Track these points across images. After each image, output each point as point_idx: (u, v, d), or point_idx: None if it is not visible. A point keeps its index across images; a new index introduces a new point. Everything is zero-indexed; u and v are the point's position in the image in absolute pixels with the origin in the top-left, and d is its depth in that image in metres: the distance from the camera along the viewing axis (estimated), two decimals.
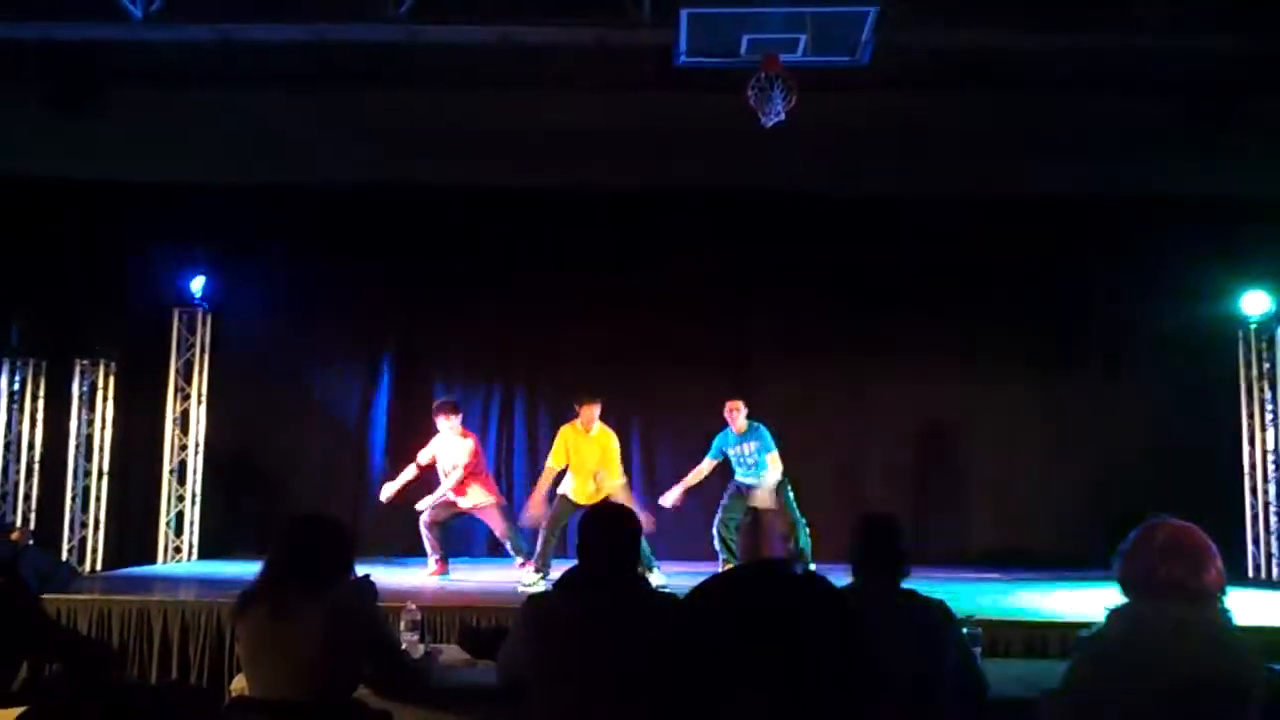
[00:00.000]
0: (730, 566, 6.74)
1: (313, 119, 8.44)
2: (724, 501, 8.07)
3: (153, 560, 9.26)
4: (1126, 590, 2.79)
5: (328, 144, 8.52)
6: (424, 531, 7.98)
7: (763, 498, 7.74)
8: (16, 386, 9.15)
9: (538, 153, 8.55)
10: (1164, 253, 9.12)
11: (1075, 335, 9.77)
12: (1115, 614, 2.78)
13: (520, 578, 7.40)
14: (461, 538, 9.04)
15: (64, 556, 8.71)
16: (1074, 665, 2.83)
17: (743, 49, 6.41)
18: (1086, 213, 9.34)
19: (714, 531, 8.01)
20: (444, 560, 8.03)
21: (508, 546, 8.13)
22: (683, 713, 2.55)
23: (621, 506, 3.49)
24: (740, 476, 8.11)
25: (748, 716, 0.86)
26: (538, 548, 7.45)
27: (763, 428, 8.02)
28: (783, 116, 6.44)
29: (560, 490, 7.57)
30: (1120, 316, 9.58)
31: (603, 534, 3.25)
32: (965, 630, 3.58)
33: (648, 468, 9.72)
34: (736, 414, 8.01)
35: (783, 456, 7.95)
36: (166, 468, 9.49)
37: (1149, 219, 9.13)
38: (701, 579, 3.16)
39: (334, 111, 8.36)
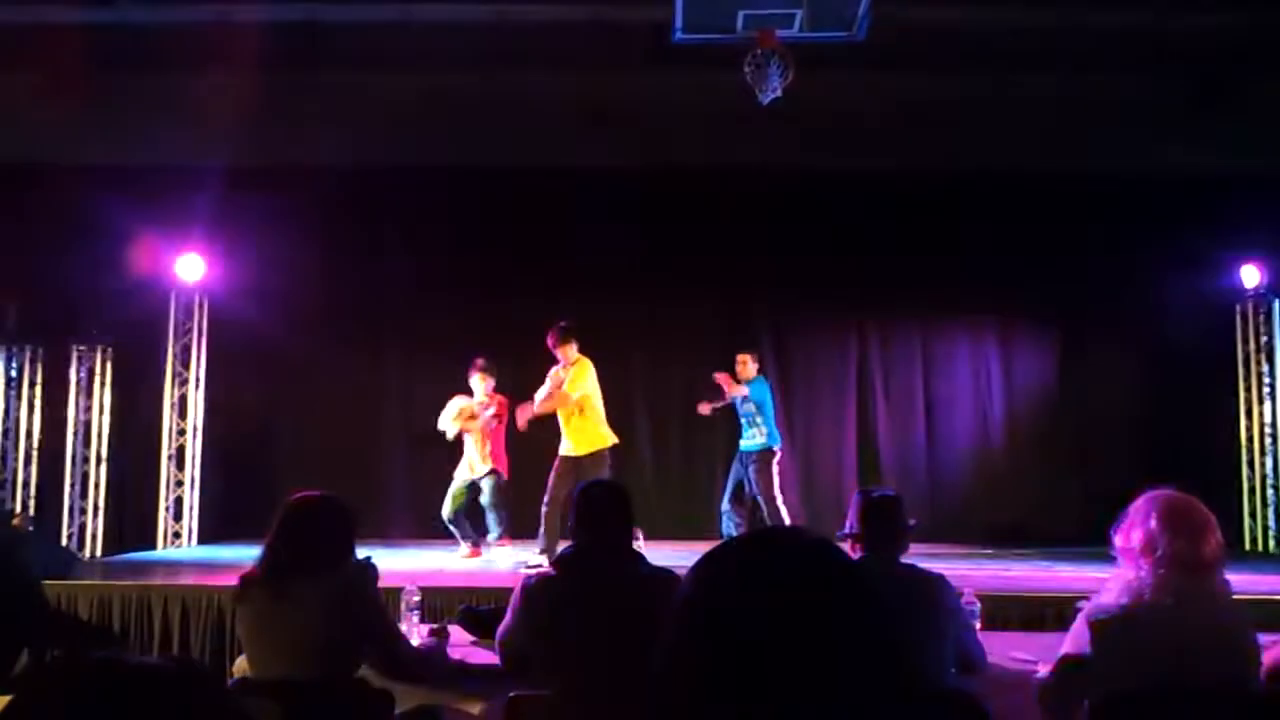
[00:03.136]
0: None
1: (307, 100, 8.40)
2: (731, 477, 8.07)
3: (152, 545, 9.26)
4: (1126, 562, 2.80)
5: (323, 125, 8.48)
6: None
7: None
8: (14, 373, 9.13)
9: (532, 132, 8.52)
10: (1160, 228, 9.10)
11: (1072, 311, 9.77)
12: (1114, 586, 2.79)
13: (527, 558, 7.38)
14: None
15: (64, 543, 8.71)
16: (1073, 636, 2.83)
17: (739, 25, 6.38)
18: (1082, 188, 9.31)
19: (723, 509, 7.99)
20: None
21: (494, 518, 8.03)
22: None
23: (613, 483, 3.48)
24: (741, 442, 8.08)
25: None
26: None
27: (763, 387, 7.99)
28: (779, 93, 6.42)
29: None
30: (1117, 292, 9.56)
31: (596, 511, 3.25)
32: (964, 603, 3.59)
33: (653, 446, 9.73)
34: (742, 367, 7.97)
35: (788, 433, 7.94)
36: (165, 453, 9.47)
37: (1145, 194, 9.09)
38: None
39: (329, 92, 8.33)
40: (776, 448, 7.93)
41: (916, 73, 8.23)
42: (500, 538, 7.93)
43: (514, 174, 9.20)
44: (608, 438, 7.40)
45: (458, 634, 4.13)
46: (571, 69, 8.11)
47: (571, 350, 7.49)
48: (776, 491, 7.82)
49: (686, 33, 6.51)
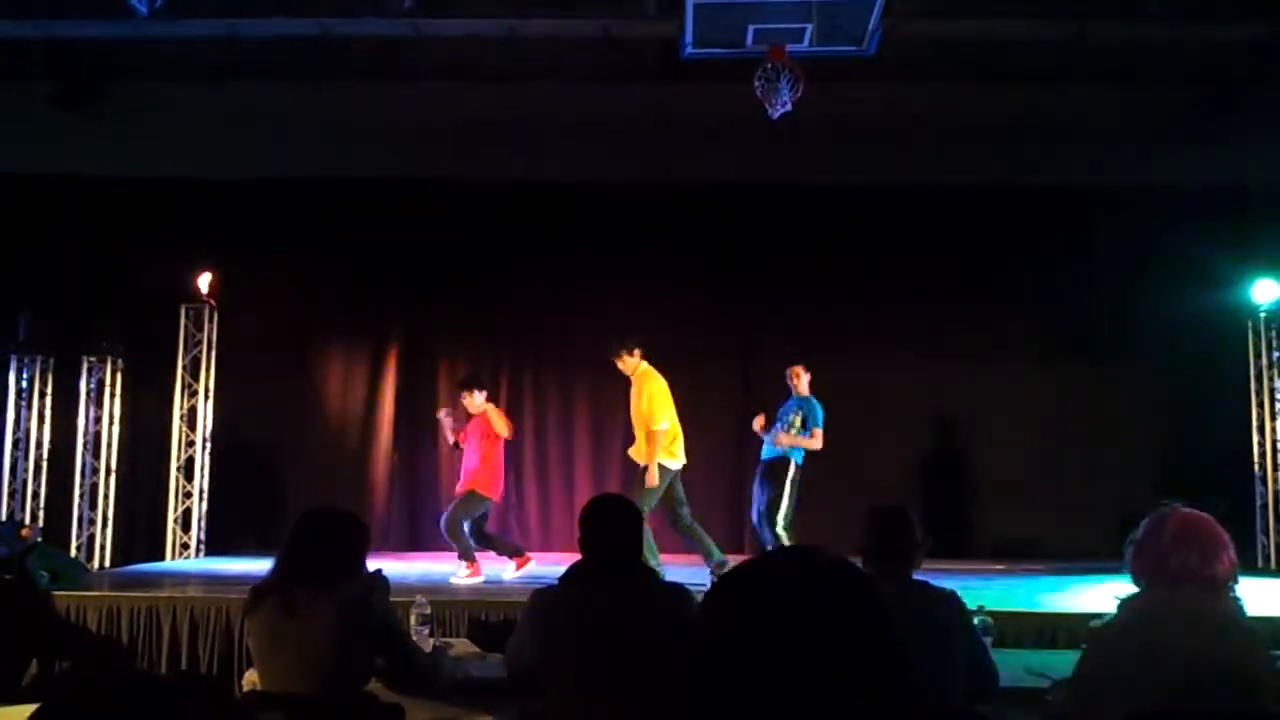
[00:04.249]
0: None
1: (318, 113, 8.45)
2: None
3: (161, 557, 9.26)
4: (1138, 579, 2.78)
5: (333, 138, 8.53)
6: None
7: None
8: (24, 384, 9.17)
9: (541, 145, 8.55)
10: (1172, 243, 9.06)
11: (1083, 326, 9.73)
12: (1126, 603, 2.77)
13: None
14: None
15: (73, 553, 8.73)
16: (1085, 654, 2.81)
17: (749, 40, 6.40)
18: (1094, 203, 9.30)
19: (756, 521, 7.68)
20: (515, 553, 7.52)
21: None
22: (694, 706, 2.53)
23: (620, 497, 3.46)
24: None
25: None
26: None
27: (812, 401, 7.63)
28: (790, 107, 6.42)
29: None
30: (1128, 307, 9.52)
31: (603, 525, 3.24)
32: (976, 621, 3.57)
33: None
34: (796, 379, 7.67)
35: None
36: (174, 464, 9.48)
37: (1157, 209, 9.07)
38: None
39: (339, 105, 8.38)
40: (796, 461, 7.53)
41: (925, 87, 8.24)
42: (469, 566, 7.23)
43: (521, 186, 9.22)
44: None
45: (467, 647, 4.12)
46: (581, 83, 8.13)
47: (630, 361, 7.00)
48: (781, 512, 7.42)
49: (696, 48, 6.53)
